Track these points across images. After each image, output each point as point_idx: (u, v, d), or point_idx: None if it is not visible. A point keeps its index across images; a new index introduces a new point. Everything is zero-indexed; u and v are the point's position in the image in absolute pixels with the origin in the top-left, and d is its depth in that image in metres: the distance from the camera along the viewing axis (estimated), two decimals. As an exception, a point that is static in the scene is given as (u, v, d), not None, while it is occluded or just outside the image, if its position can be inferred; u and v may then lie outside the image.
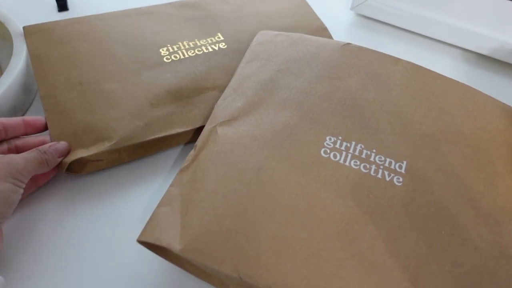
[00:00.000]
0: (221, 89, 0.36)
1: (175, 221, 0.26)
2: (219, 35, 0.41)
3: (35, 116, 0.32)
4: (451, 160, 0.30)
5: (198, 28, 0.41)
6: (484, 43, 0.45)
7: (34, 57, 0.36)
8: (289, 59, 0.36)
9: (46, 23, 0.39)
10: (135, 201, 0.32)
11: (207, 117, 0.34)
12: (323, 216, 0.26)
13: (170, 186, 0.28)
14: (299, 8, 0.47)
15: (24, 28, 0.38)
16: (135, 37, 0.39)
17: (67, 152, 0.31)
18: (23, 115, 0.37)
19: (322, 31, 0.44)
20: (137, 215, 0.31)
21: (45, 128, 0.33)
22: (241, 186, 0.27)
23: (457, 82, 0.34)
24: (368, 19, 0.51)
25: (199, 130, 0.34)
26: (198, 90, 0.36)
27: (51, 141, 0.31)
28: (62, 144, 0.31)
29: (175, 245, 0.24)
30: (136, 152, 0.34)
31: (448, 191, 0.28)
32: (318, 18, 0.46)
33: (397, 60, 0.36)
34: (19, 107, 0.36)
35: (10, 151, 0.30)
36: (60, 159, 0.30)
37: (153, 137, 0.33)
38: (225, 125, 0.31)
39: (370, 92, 0.33)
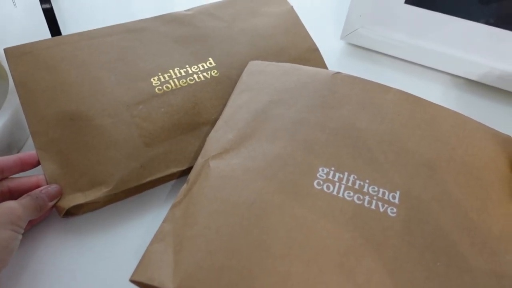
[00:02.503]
0: (214, 123, 0.35)
1: (168, 259, 0.25)
2: (211, 60, 0.40)
3: (29, 152, 0.32)
4: (444, 189, 0.29)
5: (189, 51, 0.40)
6: (474, 68, 0.46)
7: (19, 85, 0.34)
8: (280, 89, 0.36)
9: (29, 44, 0.36)
10: (129, 237, 0.32)
11: None
12: (319, 249, 0.26)
13: (163, 221, 0.28)
14: (291, 25, 0.45)
15: (5, 50, 0.35)
16: (125, 63, 0.37)
17: (59, 195, 0.31)
18: (18, 151, 0.37)
19: (312, 52, 0.44)
20: (130, 250, 0.31)
21: (38, 163, 0.32)
22: (234, 221, 0.27)
23: (447, 109, 0.35)
24: (358, 48, 0.52)
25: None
26: (192, 125, 0.36)
27: (47, 181, 0.31)
28: (53, 188, 0.30)
29: (168, 285, 0.24)
30: (132, 191, 0.34)
31: (443, 220, 0.28)
32: (310, 38, 0.45)
33: (388, 88, 0.36)
34: (15, 144, 0.36)
35: (3, 193, 0.30)
36: (51, 203, 0.30)
37: (149, 179, 0.33)
38: (217, 158, 0.31)
39: (362, 121, 0.33)
